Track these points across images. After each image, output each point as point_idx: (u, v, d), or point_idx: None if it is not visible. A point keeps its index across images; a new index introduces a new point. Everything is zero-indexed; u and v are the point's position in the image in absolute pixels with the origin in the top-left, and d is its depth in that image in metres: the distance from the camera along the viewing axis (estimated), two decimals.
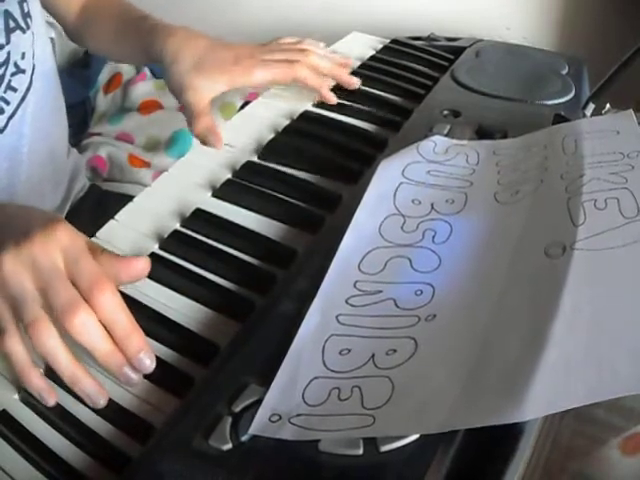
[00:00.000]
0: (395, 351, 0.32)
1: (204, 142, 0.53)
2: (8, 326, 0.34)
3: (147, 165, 0.97)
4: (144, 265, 0.36)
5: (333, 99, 0.58)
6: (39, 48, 0.59)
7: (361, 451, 0.28)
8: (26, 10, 0.56)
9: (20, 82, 0.57)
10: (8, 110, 0.56)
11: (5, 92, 0.56)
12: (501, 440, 0.29)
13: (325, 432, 0.29)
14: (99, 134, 1.03)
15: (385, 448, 0.28)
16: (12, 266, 0.34)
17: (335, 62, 0.60)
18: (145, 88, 1.10)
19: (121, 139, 1.02)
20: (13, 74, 0.56)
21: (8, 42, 0.55)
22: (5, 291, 0.34)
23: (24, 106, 0.58)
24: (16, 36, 0.55)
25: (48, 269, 0.34)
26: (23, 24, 0.56)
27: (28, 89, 0.58)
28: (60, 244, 0.34)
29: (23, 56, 0.57)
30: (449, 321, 0.33)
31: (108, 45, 0.68)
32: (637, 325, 0.29)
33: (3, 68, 0.55)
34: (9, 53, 0.55)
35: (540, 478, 0.29)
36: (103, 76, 1.13)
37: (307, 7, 1.16)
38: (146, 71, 1.14)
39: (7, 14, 0.54)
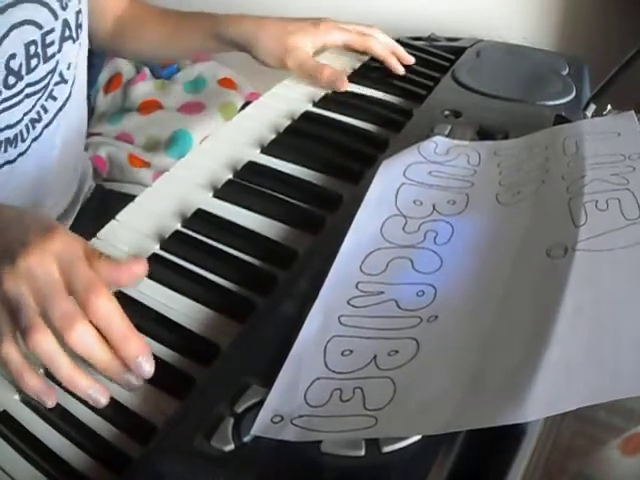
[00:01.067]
0: (397, 352, 0.32)
1: (331, 87, 0.59)
2: (5, 332, 0.34)
3: (147, 165, 0.97)
4: (142, 268, 0.37)
5: (399, 69, 0.63)
6: (82, 60, 0.60)
7: (363, 452, 0.28)
8: (80, 21, 0.57)
9: (61, 92, 0.58)
10: (45, 119, 0.57)
11: (46, 100, 0.56)
12: (503, 441, 0.29)
13: (327, 433, 0.29)
14: (99, 134, 1.03)
15: (387, 449, 0.28)
16: (9, 277, 0.34)
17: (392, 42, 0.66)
18: (145, 88, 1.10)
19: (121, 139, 1.02)
20: (57, 83, 0.57)
21: (60, 50, 0.55)
22: (2, 300, 0.34)
23: (60, 116, 0.58)
24: (67, 46, 0.56)
25: (44, 280, 0.34)
26: (75, 34, 0.57)
27: (67, 99, 0.59)
28: (56, 253, 0.35)
29: (69, 66, 0.57)
30: (451, 322, 0.33)
31: (158, 44, 0.72)
32: (638, 326, 0.29)
33: (50, 76, 0.55)
34: (58, 62, 0.56)
35: (540, 478, 0.29)
36: (103, 76, 1.13)
37: (307, 7, 1.15)
38: (146, 71, 1.14)
39: (65, 23, 0.55)
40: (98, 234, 0.45)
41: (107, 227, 0.45)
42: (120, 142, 1.01)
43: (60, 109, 0.58)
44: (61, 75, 0.57)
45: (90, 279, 0.34)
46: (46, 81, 0.55)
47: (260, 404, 0.31)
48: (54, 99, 0.57)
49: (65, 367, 0.33)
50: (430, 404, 0.29)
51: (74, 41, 0.57)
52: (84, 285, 0.34)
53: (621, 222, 0.35)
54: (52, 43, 0.54)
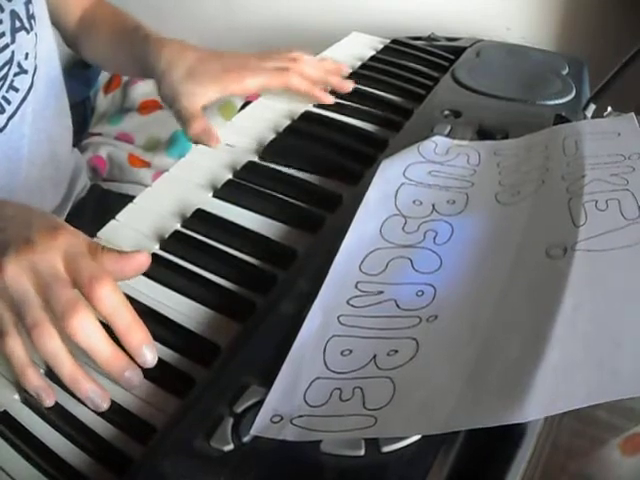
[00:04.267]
0: (396, 352, 0.32)
1: (200, 142, 0.54)
2: (9, 328, 0.34)
3: (147, 165, 0.97)
4: (146, 259, 0.37)
5: (329, 99, 0.58)
6: (43, 50, 0.60)
7: (363, 452, 0.28)
8: (31, 12, 0.57)
9: (22, 82, 0.57)
10: (9, 110, 0.56)
11: (7, 91, 0.56)
12: (502, 441, 0.29)
13: (327, 433, 0.29)
14: (99, 134, 1.03)
15: (387, 449, 0.28)
16: (13, 272, 0.34)
17: (326, 68, 0.60)
18: (145, 88, 1.10)
19: (121, 139, 1.02)
20: (16, 74, 0.56)
21: (13, 41, 0.55)
22: (6, 295, 0.34)
23: (25, 106, 0.58)
24: (21, 36, 0.56)
25: (49, 275, 0.34)
26: (27, 25, 0.56)
27: (29, 89, 0.58)
28: (60, 249, 0.35)
29: (26, 56, 0.57)
30: (450, 322, 0.33)
31: (103, 55, 0.70)
32: (638, 326, 0.29)
33: (7, 67, 0.55)
34: (13, 53, 0.55)
35: (540, 478, 0.29)
36: (103, 76, 1.13)
37: (306, 7, 1.16)
38: None
39: (13, 14, 0.55)
40: (98, 234, 0.45)
41: (107, 227, 0.46)
42: (120, 142, 1.01)
43: (23, 100, 0.58)
44: (19, 66, 0.56)
45: (94, 270, 0.34)
46: (4, 72, 0.55)
47: (260, 404, 0.31)
48: (15, 90, 0.57)
49: (68, 367, 0.33)
50: (430, 404, 0.29)
51: (28, 32, 0.56)
52: (88, 277, 0.34)
53: (621, 222, 0.35)
54: (3, 34, 0.54)
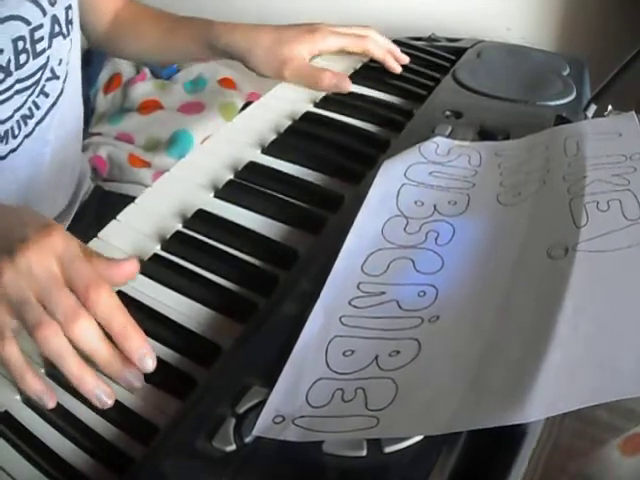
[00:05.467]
0: (398, 352, 0.32)
1: (336, 90, 0.59)
2: (6, 332, 0.34)
3: (147, 165, 0.97)
4: (134, 267, 0.37)
5: (397, 69, 0.64)
6: (74, 56, 0.60)
7: (365, 452, 0.28)
8: (70, 17, 0.57)
9: (53, 88, 0.57)
10: (38, 115, 0.56)
11: (38, 97, 0.56)
12: (504, 441, 0.29)
13: (329, 433, 0.29)
14: (99, 134, 1.03)
15: (389, 449, 0.28)
16: (10, 275, 0.34)
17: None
18: (145, 88, 1.10)
19: (121, 139, 1.02)
20: (48, 79, 0.56)
21: (50, 46, 0.55)
22: (4, 298, 0.34)
23: (53, 113, 0.58)
24: (58, 42, 0.56)
25: (45, 277, 0.34)
26: (65, 30, 0.57)
27: (59, 96, 0.59)
28: (55, 250, 0.35)
29: (60, 62, 0.57)
30: (452, 322, 0.33)
31: (152, 48, 0.71)
32: (639, 327, 0.29)
33: (40, 72, 0.55)
34: (48, 58, 0.55)
35: (541, 478, 0.29)
36: (103, 76, 1.13)
37: (306, 7, 1.15)
38: (146, 71, 1.14)
39: (54, 19, 0.55)
40: (99, 234, 0.45)
41: (108, 227, 0.45)
42: (120, 142, 1.01)
43: (53, 105, 0.58)
44: (52, 71, 0.57)
45: (90, 275, 0.34)
46: (37, 77, 0.55)
47: (262, 404, 0.31)
48: (46, 95, 0.57)
49: (74, 365, 0.33)
50: (432, 404, 0.29)
51: (65, 37, 0.57)
52: (84, 281, 0.34)
53: (622, 223, 0.35)
54: (41, 39, 0.54)
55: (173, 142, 1.01)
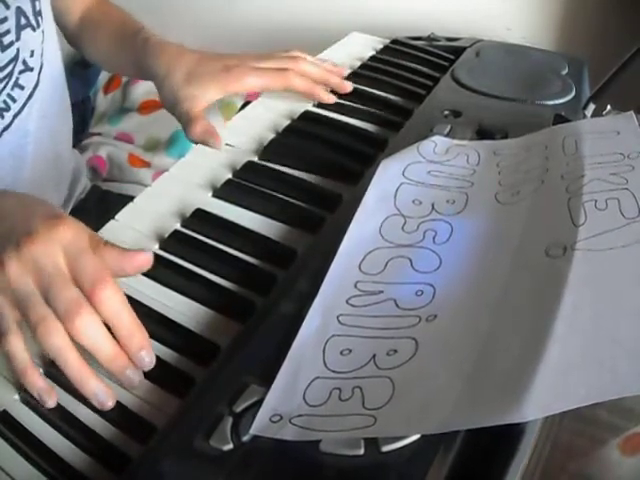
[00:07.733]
0: (396, 351, 0.32)
1: (203, 144, 0.54)
2: (10, 326, 0.34)
3: (147, 165, 0.97)
4: (148, 258, 0.37)
5: (331, 98, 0.58)
6: (48, 47, 0.59)
7: (362, 451, 0.28)
8: (38, 8, 0.56)
9: (28, 80, 0.57)
10: (14, 108, 0.56)
11: (12, 89, 0.56)
12: (502, 441, 0.29)
13: (326, 432, 0.29)
14: (99, 134, 1.03)
15: (386, 448, 0.28)
16: (15, 268, 0.34)
17: (325, 69, 0.60)
18: (145, 88, 1.10)
19: (121, 139, 1.02)
20: (21, 72, 0.56)
21: (18, 39, 0.55)
22: (8, 292, 0.34)
23: (30, 104, 0.58)
24: (26, 34, 0.55)
25: (50, 270, 0.33)
26: (34, 22, 0.56)
27: (35, 87, 0.58)
28: (61, 242, 0.34)
29: (32, 54, 0.57)
30: (450, 321, 0.33)
31: (104, 56, 0.69)
32: (637, 325, 0.29)
33: (12, 65, 0.55)
34: (18, 50, 0.55)
35: (540, 478, 0.29)
36: (103, 76, 1.13)
37: (306, 7, 1.16)
38: None
39: (19, 11, 0.54)
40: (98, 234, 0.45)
41: (106, 227, 0.46)
42: (120, 142, 1.01)
43: (29, 97, 0.58)
44: (25, 63, 0.56)
45: (97, 270, 0.34)
46: (8, 70, 0.54)
47: (259, 403, 0.31)
48: (21, 88, 0.57)
49: (75, 364, 0.33)
50: (429, 403, 0.29)
51: (34, 29, 0.56)
52: (90, 276, 0.34)
53: (620, 221, 0.35)
54: (8, 32, 0.53)
55: (173, 142, 1.01)
